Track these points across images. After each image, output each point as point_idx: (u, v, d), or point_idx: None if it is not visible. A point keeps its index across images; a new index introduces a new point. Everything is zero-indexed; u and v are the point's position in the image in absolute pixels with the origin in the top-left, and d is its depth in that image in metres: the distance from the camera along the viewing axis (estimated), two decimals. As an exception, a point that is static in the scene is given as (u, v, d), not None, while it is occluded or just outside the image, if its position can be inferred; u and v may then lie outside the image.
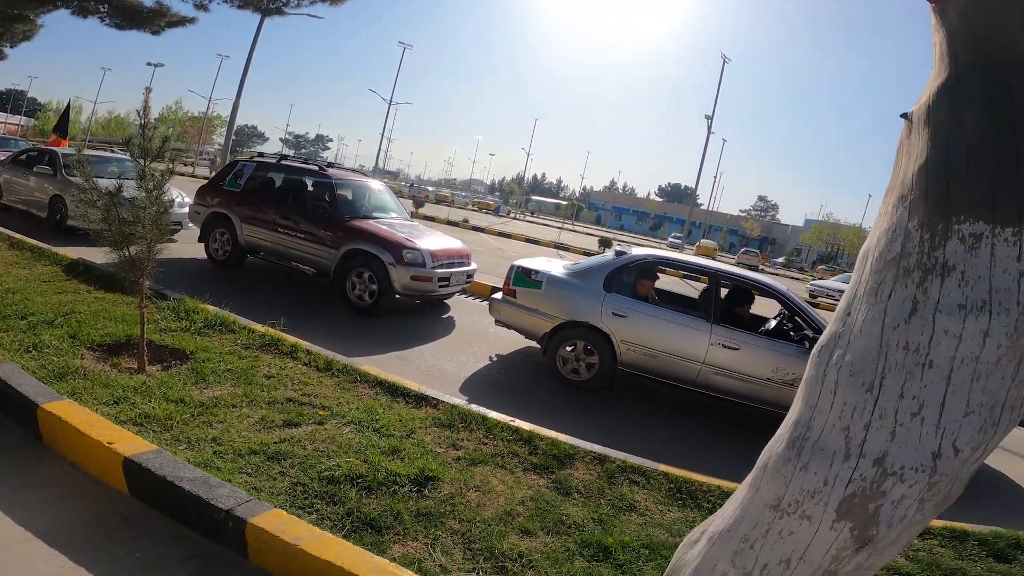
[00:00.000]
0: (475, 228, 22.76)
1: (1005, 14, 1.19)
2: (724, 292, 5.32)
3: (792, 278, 32.74)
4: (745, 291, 5.32)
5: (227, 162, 16.13)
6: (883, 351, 1.28)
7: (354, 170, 8.93)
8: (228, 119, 23.58)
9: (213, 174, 10.05)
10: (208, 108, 48.10)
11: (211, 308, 4.70)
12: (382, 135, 45.02)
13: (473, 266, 7.37)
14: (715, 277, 5.11)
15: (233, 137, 23.13)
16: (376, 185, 8.11)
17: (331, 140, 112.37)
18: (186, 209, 8.17)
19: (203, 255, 7.56)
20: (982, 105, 1.21)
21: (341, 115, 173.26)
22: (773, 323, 5.53)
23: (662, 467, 3.38)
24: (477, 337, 6.31)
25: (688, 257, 5.95)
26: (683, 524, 2.84)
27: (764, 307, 5.78)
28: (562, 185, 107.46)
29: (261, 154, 8.13)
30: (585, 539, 2.57)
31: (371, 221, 6.84)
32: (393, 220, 7.28)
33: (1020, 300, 1.17)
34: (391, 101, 41.26)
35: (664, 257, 5.49)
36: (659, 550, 2.55)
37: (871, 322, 1.31)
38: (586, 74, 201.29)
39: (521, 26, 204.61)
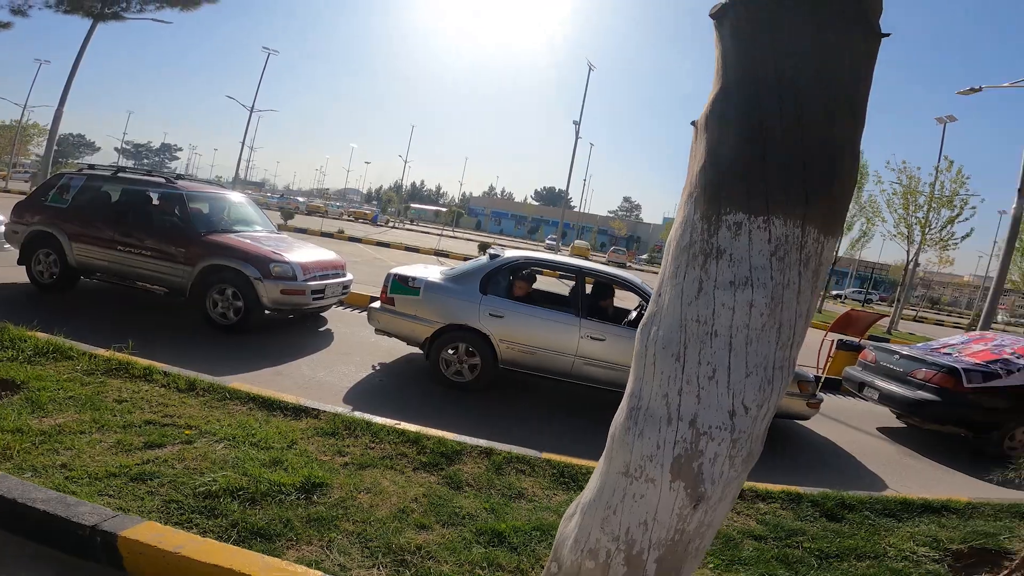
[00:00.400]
0: (352, 239, 21.96)
1: (764, 36, 1.44)
2: (589, 288, 5.81)
3: (654, 273, 35.84)
4: (606, 286, 5.85)
5: (49, 175, 14.03)
6: (683, 325, 1.50)
7: (209, 181, 8.25)
8: (48, 128, 20.36)
9: (34, 189, 8.72)
10: (23, 116, 40.95)
11: (41, 335, 4.17)
12: (243, 144, 41.26)
13: (349, 277, 7.23)
14: (580, 274, 5.56)
15: (56, 147, 19.94)
16: (236, 197, 7.62)
17: (180, 149, 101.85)
18: (1, 228, 7.05)
19: (25, 279, 6.58)
20: (741, 116, 1.45)
21: (192, 122, 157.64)
22: (634, 314, 6.14)
23: (544, 455, 3.61)
24: (358, 348, 6.21)
25: (556, 257, 6.38)
26: (568, 505, 3.06)
27: (628, 301, 6.39)
28: (441, 192, 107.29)
29: (92, 166, 7.24)
30: (480, 528, 2.69)
31: (231, 235, 6.43)
32: (257, 233, 6.90)
33: (773, 276, 1.44)
34: (252, 108, 38.28)
35: (534, 258, 5.86)
36: (549, 531, 2.73)
37: (673, 301, 1.54)
38: (463, 80, 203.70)
39: (396, 32, 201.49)
